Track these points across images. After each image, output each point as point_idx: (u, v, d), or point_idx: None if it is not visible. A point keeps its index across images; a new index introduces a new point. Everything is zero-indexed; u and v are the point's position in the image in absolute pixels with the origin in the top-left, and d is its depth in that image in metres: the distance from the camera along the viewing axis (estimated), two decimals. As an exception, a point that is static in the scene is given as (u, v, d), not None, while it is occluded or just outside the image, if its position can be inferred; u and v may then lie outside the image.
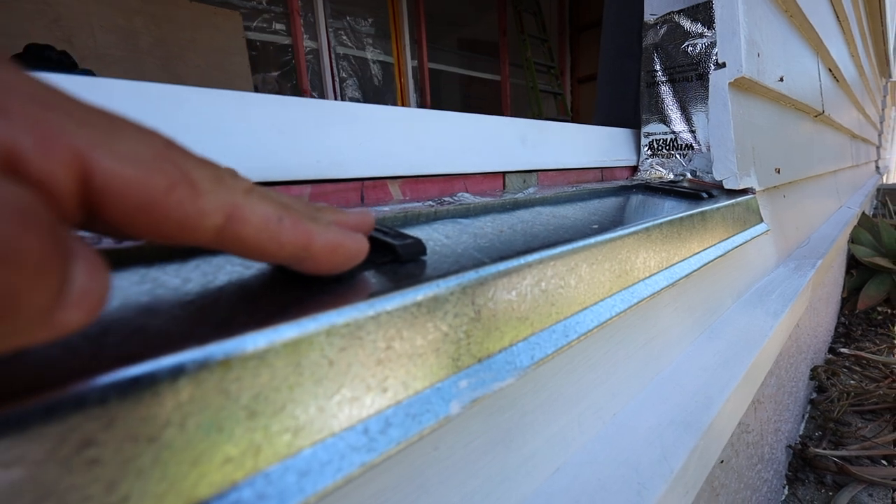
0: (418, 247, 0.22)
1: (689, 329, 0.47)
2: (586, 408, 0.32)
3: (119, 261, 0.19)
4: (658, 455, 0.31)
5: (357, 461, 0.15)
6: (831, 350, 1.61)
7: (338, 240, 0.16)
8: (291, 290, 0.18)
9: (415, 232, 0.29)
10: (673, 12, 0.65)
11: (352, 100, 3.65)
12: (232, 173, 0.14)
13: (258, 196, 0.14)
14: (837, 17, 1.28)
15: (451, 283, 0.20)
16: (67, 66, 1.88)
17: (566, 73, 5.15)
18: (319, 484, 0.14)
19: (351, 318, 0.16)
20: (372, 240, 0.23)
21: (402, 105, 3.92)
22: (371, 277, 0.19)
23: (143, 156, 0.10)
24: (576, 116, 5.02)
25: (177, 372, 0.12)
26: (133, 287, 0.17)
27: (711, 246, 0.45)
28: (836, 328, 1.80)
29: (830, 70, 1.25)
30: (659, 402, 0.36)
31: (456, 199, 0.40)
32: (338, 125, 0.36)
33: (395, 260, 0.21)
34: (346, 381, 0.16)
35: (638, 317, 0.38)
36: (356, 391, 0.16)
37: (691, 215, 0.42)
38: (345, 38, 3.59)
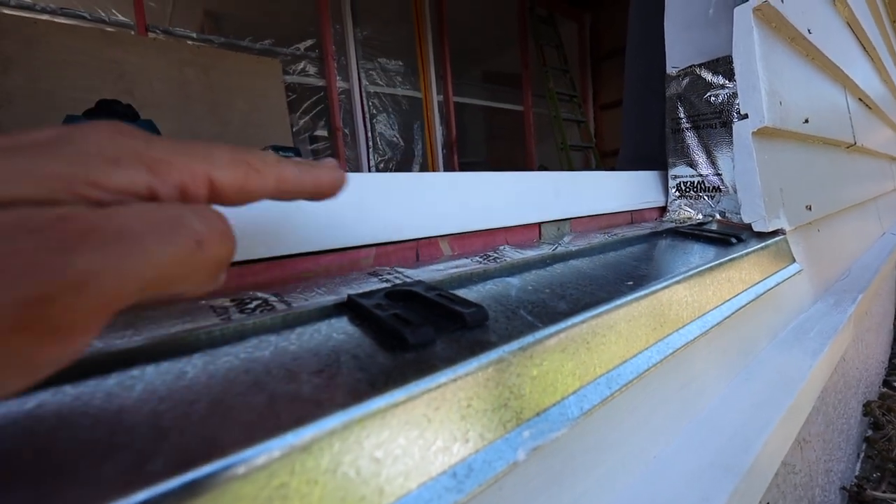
0: (482, 314, 0.26)
1: (725, 371, 0.49)
2: (628, 451, 0.34)
3: (248, 332, 0.24)
4: (698, 497, 0.33)
5: (450, 500, 0.19)
6: (885, 383, 1.53)
7: (330, 175, 0.22)
8: (390, 357, 0.22)
9: (471, 293, 0.34)
10: (694, 65, 0.69)
11: (380, 135, 3.83)
12: (270, 154, 0.21)
13: (285, 163, 0.20)
14: (864, 48, 1.29)
15: (514, 346, 0.24)
16: (131, 117, 2.10)
17: (588, 101, 5.23)
18: (425, 518, 0.18)
19: (441, 382, 0.21)
20: (442, 307, 0.27)
21: (429, 137, 4.07)
22: (448, 344, 0.24)
23: (228, 161, 0.18)
24: (599, 142, 5.06)
25: (331, 431, 0.17)
26: (273, 358, 0.22)
27: (742, 292, 0.47)
28: (890, 359, 1.71)
29: (860, 99, 1.25)
30: (697, 444, 0.39)
31: (499, 252, 0.45)
32: (396, 194, 0.42)
33: (463, 327, 0.26)
34: (440, 433, 0.20)
35: (674, 363, 0.41)
36: (447, 442, 0.20)
37: (721, 264, 0.45)
38: (376, 76, 3.81)
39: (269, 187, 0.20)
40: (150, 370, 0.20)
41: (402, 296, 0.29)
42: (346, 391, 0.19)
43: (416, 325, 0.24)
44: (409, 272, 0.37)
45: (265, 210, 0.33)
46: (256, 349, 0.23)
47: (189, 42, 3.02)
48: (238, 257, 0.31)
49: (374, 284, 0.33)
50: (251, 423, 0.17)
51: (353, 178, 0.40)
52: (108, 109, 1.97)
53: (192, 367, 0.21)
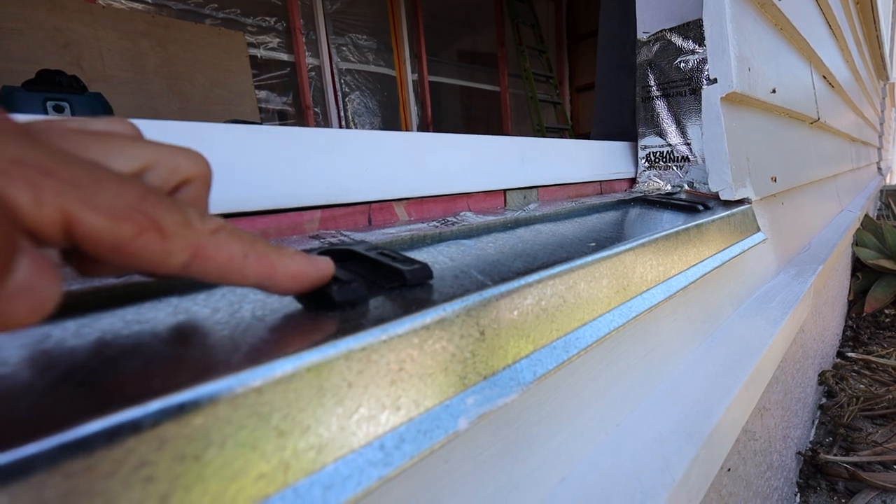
0: (425, 271, 0.24)
1: (690, 339, 0.48)
2: (589, 419, 0.33)
3: (152, 293, 0.21)
4: (660, 465, 0.32)
5: (375, 475, 0.16)
6: (839, 354, 1.61)
7: (298, 268, 0.18)
8: (311, 317, 0.19)
9: (421, 254, 0.31)
10: (665, 30, 0.67)
11: (354, 114, 3.71)
12: (203, 215, 0.16)
13: (226, 235, 0.16)
14: (830, 26, 1.30)
15: (457, 305, 0.22)
16: (77, 89, 1.94)
17: (565, 83, 5.21)
18: (342, 496, 0.15)
19: (366, 343, 0.18)
20: (382, 265, 0.24)
21: (404, 117, 3.98)
22: (382, 303, 0.21)
23: (117, 207, 0.13)
24: (575, 125, 5.07)
25: (216, 398, 0.14)
26: (168, 318, 0.18)
27: (708, 258, 0.46)
28: (844, 331, 1.79)
29: (825, 77, 1.27)
30: (660, 411, 0.37)
31: (459, 218, 0.42)
32: (344, 152, 0.38)
33: (403, 285, 0.23)
34: (364, 400, 0.17)
35: (638, 328, 0.40)
36: (373, 410, 0.17)
37: (686, 229, 0.44)
38: (348, 53, 3.66)
39: (175, 263, 0.14)
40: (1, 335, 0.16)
41: (339, 255, 0.26)
42: (245, 354, 0.16)
43: (344, 282, 0.21)
44: (356, 236, 0.34)
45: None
46: (151, 311, 0.19)
47: (143, 9, 2.81)
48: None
49: (312, 247, 0.30)
50: (111, 392, 0.13)
51: (295, 132, 0.36)
52: (51, 81, 1.81)
53: (61, 330, 0.17)
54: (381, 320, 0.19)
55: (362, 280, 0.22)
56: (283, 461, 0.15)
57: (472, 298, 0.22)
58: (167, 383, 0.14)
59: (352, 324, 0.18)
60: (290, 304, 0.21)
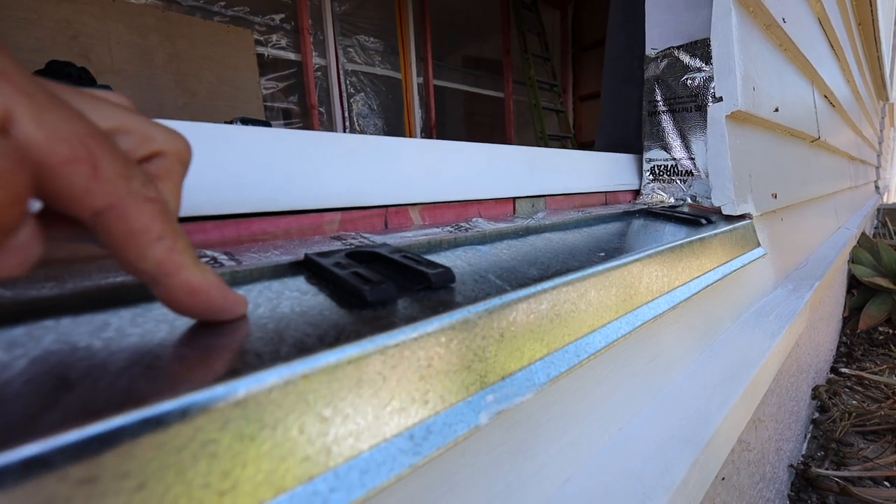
0: (448, 275, 0.25)
1: (691, 348, 0.49)
2: (594, 421, 0.34)
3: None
4: (661, 468, 0.33)
5: (406, 462, 0.18)
6: (833, 370, 1.62)
7: (203, 285, 0.16)
8: (345, 314, 0.21)
9: (440, 258, 0.32)
10: (673, 47, 0.69)
11: (358, 115, 3.73)
12: (148, 181, 0.15)
13: (154, 210, 0.15)
14: (832, 46, 1.33)
15: (480, 308, 0.23)
16: (87, 81, 1.95)
17: (568, 91, 5.25)
18: (377, 481, 0.17)
19: (399, 340, 0.19)
20: (406, 268, 0.26)
21: (408, 120, 4.00)
22: (410, 304, 0.22)
23: (60, 130, 0.13)
24: (577, 133, 5.10)
25: (270, 385, 0.15)
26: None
27: (710, 270, 0.48)
28: (838, 347, 1.81)
29: (826, 97, 1.30)
30: (661, 417, 0.39)
31: (472, 224, 0.43)
32: (365, 157, 0.40)
33: (428, 287, 0.24)
34: (396, 393, 0.19)
35: (642, 336, 0.41)
36: (403, 402, 0.19)
37: (690, 242, 0.45)
38: (354, 54, 3.69)
39: (90, 205, 0.14)
40: (66, 321, 0.18)
41: (364, 256, 0.28)
42: (292, 346, 0.17)
43: (376, 283, 0.22)
44: (375, 238, 0.35)
45: (213, 158, 0.30)
46: (196, 303, 0.20)
47: (153, 4, 2.82)
48: (183, 212, 0.29)
49: (336, 248, 0.31)
50: (177, 375, 0.15)
51: (319, 137, 0.37)
52: (60, 72, 1.82)
53: (118, 318, 0.18)
54: (411, 319, 0.20)
55: (388, 280, 0.24)
56: (325, 445, 0.16)
57: (494, 302, 0.24)
58: (229, 370, 0.15)
59: (385, 322, 0.20)
60: (324, 302, 0.22)
